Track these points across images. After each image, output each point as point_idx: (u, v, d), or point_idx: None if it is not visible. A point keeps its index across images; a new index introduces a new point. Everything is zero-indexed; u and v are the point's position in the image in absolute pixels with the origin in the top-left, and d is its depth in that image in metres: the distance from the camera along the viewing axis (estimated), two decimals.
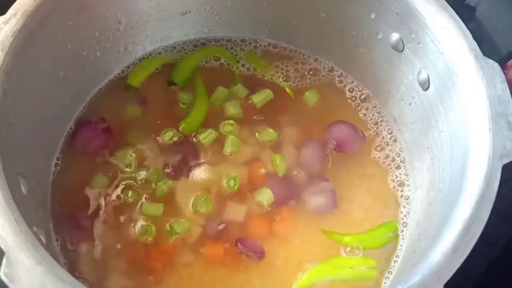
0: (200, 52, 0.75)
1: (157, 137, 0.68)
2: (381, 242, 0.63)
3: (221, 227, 0.63)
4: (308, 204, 0.65)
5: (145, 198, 0.64)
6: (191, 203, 0.65)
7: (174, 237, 0.63)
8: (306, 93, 0.72)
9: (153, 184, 0.65)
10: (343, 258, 0.62)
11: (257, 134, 0.69)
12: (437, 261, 0.45)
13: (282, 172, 0.66)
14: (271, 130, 0.69)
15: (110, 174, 0.66)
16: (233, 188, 0.65)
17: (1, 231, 0.44)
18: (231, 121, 0.69)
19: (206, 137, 0.68)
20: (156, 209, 0.64)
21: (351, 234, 0.64)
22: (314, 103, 0.72)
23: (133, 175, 0.66)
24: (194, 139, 0.68)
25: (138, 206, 0.64)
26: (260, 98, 0.71)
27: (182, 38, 0.75)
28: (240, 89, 0.72)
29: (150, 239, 0.62)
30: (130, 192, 0.64)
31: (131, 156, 0.67)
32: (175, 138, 0.68)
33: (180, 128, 0.69)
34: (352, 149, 0.69)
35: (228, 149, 0.68)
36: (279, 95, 0.72)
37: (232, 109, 0.70)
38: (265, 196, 0.65)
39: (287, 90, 0.73)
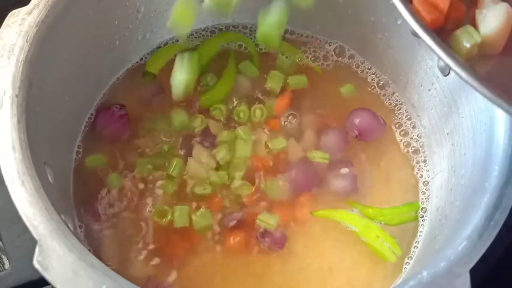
0: (219, 38, 0.74)
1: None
2: (401, 219, 0.64)
3: (239, 215, 0.64)
4: (329, 189, 0.66)
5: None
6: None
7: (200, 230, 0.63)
8: (342, 89, 0.72)
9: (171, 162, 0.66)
10: (378, 227, 0.63)
11: (269, 144, 0.67)
12: (463, 246, 0.46)
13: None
14: (281, 139, 0.68)
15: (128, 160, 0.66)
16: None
17: (32, 220, 0.45)
18: (260, 105, 0.69)
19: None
20: (184, 219, 0.63)
21: (372, 207, 0.64)
22: (339, 91, 0.72)
23: (150, 160, 0.66)
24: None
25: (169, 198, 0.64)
26: (296, 80, 0.72)
27: (200, 25, 0.75)
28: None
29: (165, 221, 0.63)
30: (168, 184, 0.65)
31: (149, 142, 0.67)
32: (204, 125, 0.68)
33: (199, 100, 0.69)
34: (374, 137, 0.69)
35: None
36: None
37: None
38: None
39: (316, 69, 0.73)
